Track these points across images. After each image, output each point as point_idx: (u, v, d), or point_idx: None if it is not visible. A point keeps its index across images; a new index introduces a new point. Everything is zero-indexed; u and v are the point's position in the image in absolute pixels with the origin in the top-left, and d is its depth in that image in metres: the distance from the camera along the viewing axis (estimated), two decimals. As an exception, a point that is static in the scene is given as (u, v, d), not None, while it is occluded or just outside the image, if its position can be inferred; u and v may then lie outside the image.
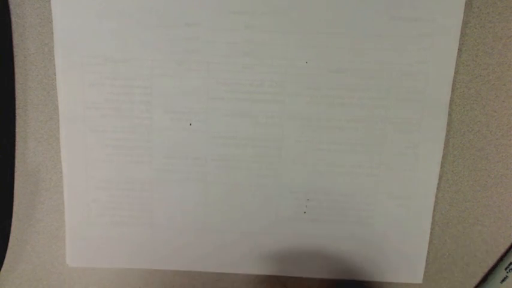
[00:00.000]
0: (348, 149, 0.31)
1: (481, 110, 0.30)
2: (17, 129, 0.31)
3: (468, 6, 0.28)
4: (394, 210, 0.31)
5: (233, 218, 0.32)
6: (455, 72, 0.29)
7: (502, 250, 0.33)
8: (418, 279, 0.33)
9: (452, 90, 0.30)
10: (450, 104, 0.30)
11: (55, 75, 0.30)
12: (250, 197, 0.31)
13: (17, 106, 0.31)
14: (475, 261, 0.33)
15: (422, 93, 0.29)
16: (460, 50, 0.29)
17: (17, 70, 0.30)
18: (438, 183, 0.31)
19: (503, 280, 0.31)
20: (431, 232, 0.32)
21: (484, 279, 0.33)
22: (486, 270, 0.33)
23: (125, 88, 0.30)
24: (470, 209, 0.32)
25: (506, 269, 0.31)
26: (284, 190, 0.31)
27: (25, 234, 0.33)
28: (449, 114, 0.30)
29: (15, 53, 0.30)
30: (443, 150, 0.31)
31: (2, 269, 0.32)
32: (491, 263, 0.33)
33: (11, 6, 0.29)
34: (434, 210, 0.32)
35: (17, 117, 0.31)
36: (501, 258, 0.32)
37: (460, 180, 0.31)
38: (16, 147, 0.31)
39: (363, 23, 0.29)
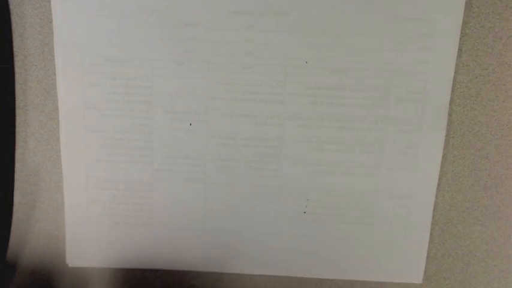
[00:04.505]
0: (348, 149, 0.31)
1: (481, 110, 0.30)
2: (17, 129, 0.31)
3: (468, 6, 0.28)
4: (394, 210, 0.31)
5: (233, 218, 0.32)
6: (455, 72, 0.29)
7: (502, 250, 0.33)
8: (418, 279, 0.33)
9: (452, 90, 0.30)
10: (450, 104, 0.30)
11: (55, 75, 0.30)
12: (250, 197, 0.31)
13: (17, 106, 0.31)
14: (475, 261, 0.33)
15: (422, 93, 0.29)
16: (460, 50, 0.29)
17: (17, 70, 0.30)
18: (438, 183, 0.31)
19: None
20: (431, 232, 0.32)
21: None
22: (486, 270, 0.33)
23: (125, 88, 0.30)
24: (470, 209, 0.32)
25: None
26: (284, 190, 0.31)
27: (25, 234, 0.33)
28: (449, 114, 0.30)
29: (15, 53, 0.30)
30: (443, 150, 0.31)
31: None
32: (491, 263, 0.33)
33: (11, 6, 0.29)
34: (434, 210, 0.32)
35: (17, 117, 0.31)
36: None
37: (460, 180, 0.31)
38: (16, 147, 0.31)
39: (363, 23, 0.28)
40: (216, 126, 0.30)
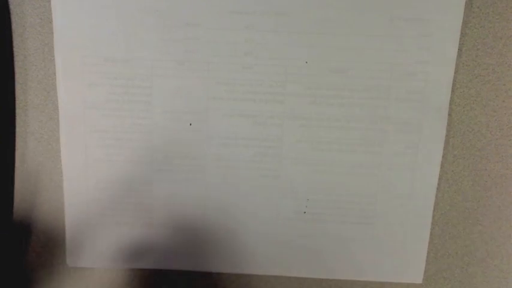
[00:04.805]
0: (348, 149, 0.31)
1: (481, 110, 0.30)
2: (17, 129, 0.31)
3: (468, 6, 0.28)
4: (394, 210, 0.31)
5: (233, 218, 0.32)
6: (455, 72, 0.29)
7: (502, 250, 0.33)
8: (418, 279, 0.33)
9: (452, 90, 0.30)
10: (450, 104, 0.30)
11: (55, 75, 0.30)
12: (250, 197, 0.31)
13: (17, 106, 0.31)
14: (475, 261, 0.33)
15: (422, 93, 0.29)
16: (460, 50, 0.29)
17: (17, 70, 0.30)
18: (438, 183, 0.31)
19: None
20: (431, 232, 0.32)
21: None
22: (486, 270, 0.33)
23: (125, 88, 0.30)
24: (470, 209, 0.32)
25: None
26: (284, 190, 0.31)
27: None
28: (449, 114, 0.30)
29: (15, 53, 0.30)
30: (443, 150, 0.31)
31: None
32: (491, 263, 0.33)
33: (11, 6, 0.29)
34: (434, 210, 0.32)
35: (17, 117, 0.31)
36: None
37: (460, 180, 0.31)
38: (16, 147, 0.31)
39: (363, 23, 0.28)
40: (216, 126, 0.30)
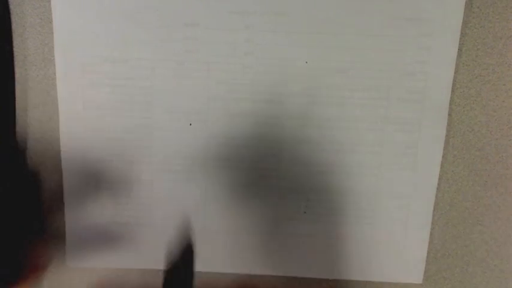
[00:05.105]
0: (348, 149, 0.31)
1: (481, 110, 0.30)
2: (17, 129, 0.31)
3: (468, 6, 0.28)
4: (394, 210, 0.31)
5: (233, 218, 0.32)
6: (455, 72, 0.29)
7: (502, 250, 0.33)
8: (418, 279, 0.33)
9: (452, 90, 0.30)
10: (450, 104, 0.30)
11: (55, 75, 0.30)
12: (250, 197, 0.31)
13: (17, 106, 0.31)
14: (475, 261, 0.33)
15: (422, 93, 0.29)
16: (460, 50, 0.29)
17: (17, 70, 0.30)
18: (438, 183, 0.31)
19: None
20: (431, 232, 0.32)
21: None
22: (486, 270, 0.33)
23: (125, 88, 0.30)
24: (470, 209, 0.32)
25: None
26: (284, 190, 0.31)
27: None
28: (449, 114, 0.30)
29: (15, 53, 0.30)
30: (443, 150, 0.31)
31: (2, 269, 0.32)
32: (491, 263, 0.33)
33: (11, 6, 0.29)
34: (434, 210, 0.32)
35: (17, 117, 0.31)
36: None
37: (460, 180, 0.31)
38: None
39: (363, 23, 0.29)
40: (216, 126, 0.30)
